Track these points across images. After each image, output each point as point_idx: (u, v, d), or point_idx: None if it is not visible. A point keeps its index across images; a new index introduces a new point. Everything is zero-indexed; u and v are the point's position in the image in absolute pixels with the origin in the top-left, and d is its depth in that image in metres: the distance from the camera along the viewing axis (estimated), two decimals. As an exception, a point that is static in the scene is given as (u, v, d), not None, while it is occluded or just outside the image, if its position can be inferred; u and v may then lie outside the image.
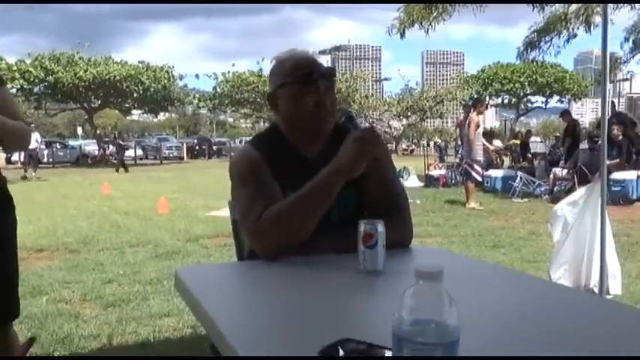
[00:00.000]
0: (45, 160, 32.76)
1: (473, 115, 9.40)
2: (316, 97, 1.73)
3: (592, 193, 3.58)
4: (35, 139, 19.97)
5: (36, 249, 6.08)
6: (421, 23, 13.34)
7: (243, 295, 1.46)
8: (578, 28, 13.39)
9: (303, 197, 1.63)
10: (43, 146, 27.27)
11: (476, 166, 9.31)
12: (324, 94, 1.75)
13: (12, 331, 2.20)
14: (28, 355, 2.02)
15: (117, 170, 22.61)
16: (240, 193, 1.76)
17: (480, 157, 9.51)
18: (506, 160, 17.03)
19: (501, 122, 71.45)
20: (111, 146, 33.86)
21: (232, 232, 2.03)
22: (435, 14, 13.76)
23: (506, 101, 55.75)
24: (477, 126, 9.29)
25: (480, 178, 9.65)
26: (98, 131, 40.81)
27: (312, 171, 1.65)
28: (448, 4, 13.21)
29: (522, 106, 56.70)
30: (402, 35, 13.66)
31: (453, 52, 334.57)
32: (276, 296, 1.36)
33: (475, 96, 43.36)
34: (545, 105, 57.66)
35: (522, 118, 62.98)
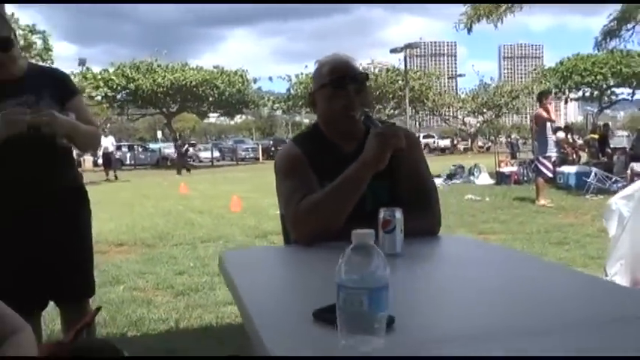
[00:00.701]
0: (127, 162, 34.59)
1: (539, 109, 9.21)
2: (346, 100, 1.89)
3: (648, 186, 3.53)
4: (111, 142, 21.23)
5: (116, 243, 6.56)
6: (488, 17, 13.21)
7: (274, 275, 1.65)
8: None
9: (336, 189, 1.79)
10: (125, 149, 28.54)
11: (546, 162, 9.11)
12: (355, 97, 1.90)
13: (89, 307, 2.49)
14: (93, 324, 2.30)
15: (178, 172, 22.85)
16: (282, 185, 1.95)
17: (552, 153, 9.25)
18: (584, 156, 16.48)
19: (584, 116, 68.61)
20: (190, 149, 35.20)
21: (281, 224, 2.22)
22: (503, 7, 13.59)
23: (587, 94, 53.48)
24: (547, 120, 9.07)
25: (550, 175, 9.38)
26: (177, 134, 42.48)
27: (348, 166, 1.82)
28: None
29: (606, 99, 54.21)
30: (470, 30, 13.57)
31: (531, 45, 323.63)
32: (300, 275, 1.54)
33: (552, 90, 41.90)
34: (632, 97, 54.85)
35: (607, 111, 60.26)
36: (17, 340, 1.34)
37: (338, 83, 1.91)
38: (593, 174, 10.59)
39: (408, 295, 1.32)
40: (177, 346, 3.19)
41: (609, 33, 19.81)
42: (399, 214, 1.66)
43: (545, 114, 9.01)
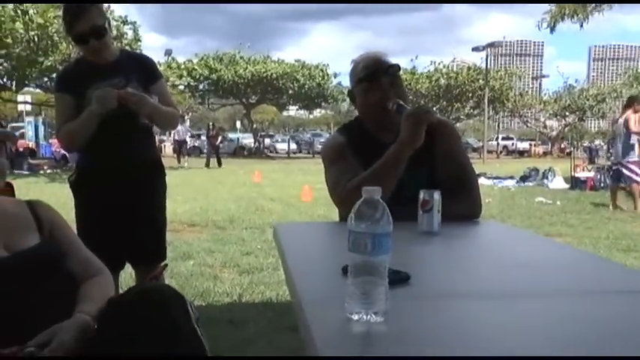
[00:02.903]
0: (205, 150, 35.74)
1: (629, 112, 8.88)
2: (381, 92, 2.03)
3: None
4: (183, 131, 21.51)
5: (189, 224, 6.96)
6: (573, 16, 12.79)
7: (318, 244, 1.83)
8: None
9: (377, 169, 1.95)
10: (204, 137, 29.18)
11: (633, 167, 8.78)
12: (389, 89, 2.04)
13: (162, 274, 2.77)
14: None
15: (207, 165, 20.40)
16: (330, 171, 2.12)
17: (636, 158, 8.86)
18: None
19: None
20: (266, 140, 35.46)
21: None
22: (590, 6, 13.11)
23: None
24: (636, 123, 8.71)
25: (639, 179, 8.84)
26: (255, 125, 43.46)
27: None
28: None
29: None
30: (552, 29, 13.21)
31: (626, 47, 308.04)
32: (342, 245, 1.71)
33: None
34: None
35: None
36: (99, 280, 1.59)
37: (372, 77, 2.05)
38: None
39: (427, 262, 1.49)
40: (237, 315, 3.44)
41: None
42: (437, 195, 1.80)
43: (636, 117, 8.65)
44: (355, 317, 0.94)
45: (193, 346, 1.36)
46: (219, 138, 22.51)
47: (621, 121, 9.00)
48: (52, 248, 1.56)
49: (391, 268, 1.19)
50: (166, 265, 2.27)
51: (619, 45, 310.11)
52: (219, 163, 20.57)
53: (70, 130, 2.51)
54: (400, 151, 1.91)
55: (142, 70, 2.63)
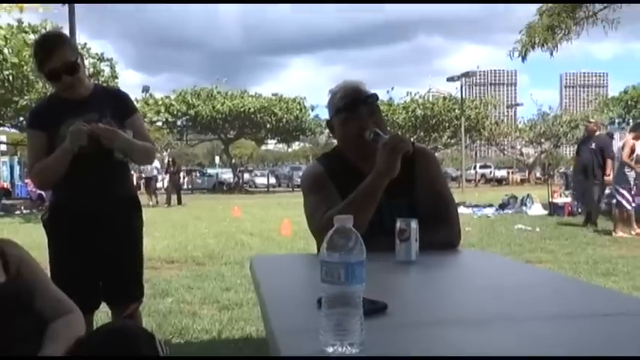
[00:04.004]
0: (185, 186, 35.60)
1: (629, 137, 9.03)
2: (359, 122, 2.01)
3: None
4: (155, 167, 19.91)
5: (168, 260, 6.86)
6: (543, 45, 13.09)
7: (294, 277, 1.80)
8: None
9: (354, 199, 1.93)
10: (182, 174, 28.53)
11: (625, 192, 8.80)
12: (367, 119, 2.02)
13: (139, 311, 2.70)
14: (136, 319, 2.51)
15: (167, 202, 18.93)
16: (308, 201, 2.10)
17: (629, 184, 8.85)
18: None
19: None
20: (245, 174, 35.16)
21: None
22: (560, 35, 13.45)
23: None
24: (632, 150, 8.85)
25: (629, 206, 8.82)
26: (233, 160, 43.41)
27: None
28: (572, 25, 12.85)
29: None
30: (524, 58, 13.48)
31: (595, 74, 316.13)
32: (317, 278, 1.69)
33: (616, 120, 40.54)
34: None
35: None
36: (68, 319, 1.54)
37: (351, 107, 2.04)
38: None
39: (405, 291, 1.48)
40: (216, 352, 3.37)
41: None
42: (414, 224, 1.79)
43: (634, 143, 8.78)
44: (330, 350, 0.91)
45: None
46: (181, 174, 21.23)
47: (620, 144, 9.14)
48: (19, 287, 1.52)
49: (368, 298, 1.17)
50: (140, 302, 2.21)
51: (588, 72, 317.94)
52: (180, 201, 19.30)
53: (42, 167, 2.48)
54: (376, 181, 1.90)
55: (117, 105, 2.61)
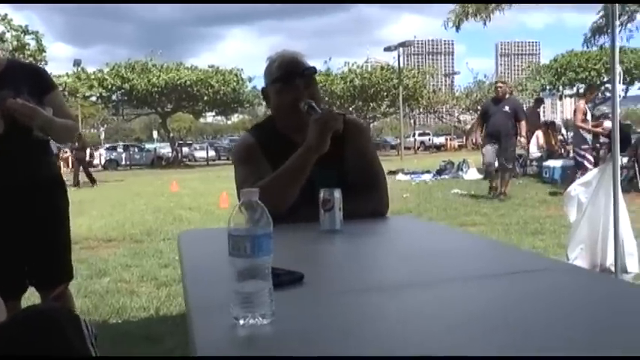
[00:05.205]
0: (123, 162, 34.76)
1: (580, 102, 9.31)
2: (294, 94, 2.01)
3: (604, 174, 3.71)
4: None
5: (105, 239, 6.73)
6: (476, 15, 13.36)
7: (221, 257, 1.80)
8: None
9: (283, 173, 1.95)
10: (120, 150, 27.96)
11: (586, 154, 9.03)
12: (303, 91, 2.02)
13: (69, 292, 2.65)
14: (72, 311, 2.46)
15: (75, 184, 16.00)
16: (238, 172, 2.10)
17: (587, 145, 9.15)
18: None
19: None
20: (184, 148, 34.42)
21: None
22: (492, 5, 13.74)
23: (581, 90, 53.55)
24: (584, 114, 9.11)
25: (590, 166, 8.62)
26: (172, 134, 42.57)
27: None
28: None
29: (600, 95, 54.28)
30: (458, 28, 13.72)
31: (528, 43, 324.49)
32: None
33: (547, 87, 41.87)
34: (626, 93, 54.98)
35: (603, 107, 60.24)
36: None
37: (287, 78, 2.04)
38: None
39: (326, 260, 1.51)
40: (154, 330, 3.35)
41: (598, 29, 20.04)
42: (337, 193, 1.82)
43: (584, 107, 9.03)
44: (241, 322, 0.92)
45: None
46: (87, 151, 18.77)
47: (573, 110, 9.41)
48: None
49: (284, 269, 1.19)
50: (67, 283, 2.17)
51: (522, 41, 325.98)
52: (92, 180, 17.02)
53: None
54: (305, 156, 1.91)
55: (34, 81, 2.50)
